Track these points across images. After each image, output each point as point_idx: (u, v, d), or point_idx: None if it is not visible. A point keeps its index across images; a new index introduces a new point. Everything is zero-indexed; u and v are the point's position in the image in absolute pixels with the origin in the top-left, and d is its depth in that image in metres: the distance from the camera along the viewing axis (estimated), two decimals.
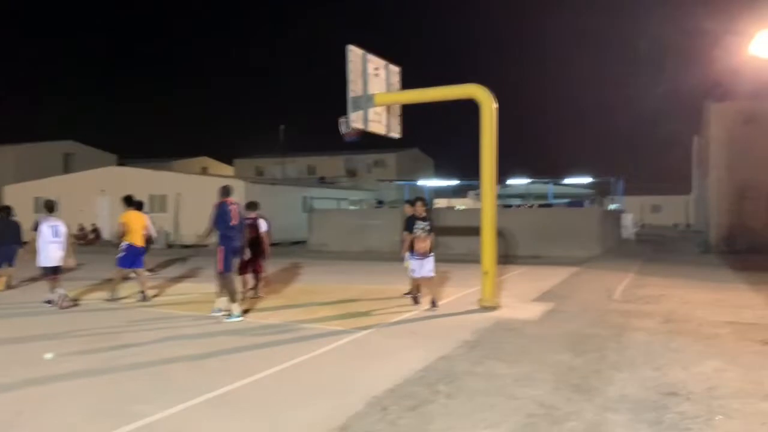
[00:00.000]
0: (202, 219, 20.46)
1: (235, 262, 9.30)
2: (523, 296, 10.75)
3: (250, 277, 10.84)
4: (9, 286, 12.21)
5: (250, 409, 4.77)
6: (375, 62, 10.29)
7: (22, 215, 32.31)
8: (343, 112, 10.04)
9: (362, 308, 9.61)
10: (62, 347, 6.93)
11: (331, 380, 5.59)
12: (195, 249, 23.29)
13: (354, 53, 9.79)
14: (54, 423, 4.48)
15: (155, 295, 10.99)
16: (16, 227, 12.32)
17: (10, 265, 12.19)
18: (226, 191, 9.25)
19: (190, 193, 27.35)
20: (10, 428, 4.37)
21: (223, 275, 8.88)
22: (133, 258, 10.52)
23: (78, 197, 28.47)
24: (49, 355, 6.47)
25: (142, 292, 10.49)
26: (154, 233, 12.38)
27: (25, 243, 11.79)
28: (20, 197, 31.21)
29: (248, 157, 55.56)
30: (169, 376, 5.76)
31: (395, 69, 10.96)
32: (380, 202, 32.86)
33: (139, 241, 10.53)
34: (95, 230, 28.29)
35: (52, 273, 9.90)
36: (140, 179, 29.15)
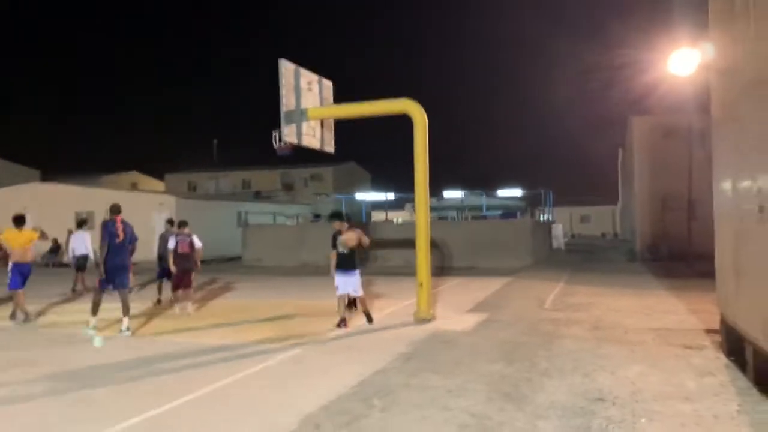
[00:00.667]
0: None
1: (121, 280, 9.01)
2: (458, 307, 10.89)
3: (180, 293, 11.13)
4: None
5: None
6: (308, 76, 10.27)
7: None
8: (278, 124, 9.95)
9: (296, 325, 9.49)
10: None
11: (264, 399, 5.48)
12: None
13: (286, 68, 9.74)
14: None
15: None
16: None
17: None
18: (114, 209, 9.27)
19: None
20: None
21: (96, 289, 9.11)
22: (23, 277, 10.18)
23: None
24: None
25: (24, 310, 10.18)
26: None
27: None
28: None
29: (180, 172, 54.23)
30: (94, 402, 5.50)
31: (328, 83, 10.97)
32: (317, 216, 32.66)
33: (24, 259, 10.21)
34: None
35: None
36: (66, 196, 28.03)
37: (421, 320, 9.34)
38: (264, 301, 12.45)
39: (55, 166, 51.70)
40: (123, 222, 9.14)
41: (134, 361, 7.17)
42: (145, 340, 8.48)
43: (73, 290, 14.96)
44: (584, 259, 24.63)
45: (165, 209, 25.88)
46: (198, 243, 11.22)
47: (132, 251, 9.28)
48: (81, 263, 15.15)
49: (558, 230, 30.15)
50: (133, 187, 49.57)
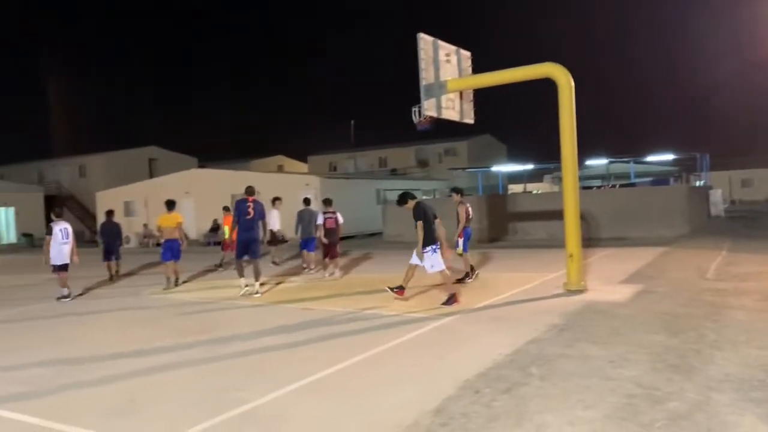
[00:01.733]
0: (283, 214, 20.75)
1: (253, 250, 10.51)
2: (609, 279, 10.44)
3: (328, 261, 12.92)
4: (111, 277, 14.44)
5: (341, 395, 4.88)
6: (446, 48, 10.22)
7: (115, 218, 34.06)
8: (413, 101, 10.04)
9: (443, 295, 9.59)
10: (160, 339, 7.31)
11: (419, 366, 5.62)
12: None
13: (424, 41, 9.75)
14: (164, 409, 4.73)
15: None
16: (118, 227, 15.36)
17: (117, 258, 14.77)
18: (248, 191, 10.80)
19: (268, 191, 28.04)
20: (126, 414, 4.65)
21: (236, 261, 10.75)
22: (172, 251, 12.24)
23: (164, 200, 29.79)
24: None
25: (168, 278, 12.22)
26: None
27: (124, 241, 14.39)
28: (111, 202, 33.02)
29: (321, 154, 56.49)
30: (263, 366, 5.96)
31: (466, 54, 10.85)
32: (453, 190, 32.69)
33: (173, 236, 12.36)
34: None
35: (63, 270, 11.23)
36: (221, 180, 30.21)
37: (572, 292, 9.08)
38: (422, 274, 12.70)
39: (210, 153, 56.02)
40: (254, 201, 10.52)
41: (288, 327, 7.66)
42: (297, 308, 9.00)
43: (274, 263, 16.08)
44: (747, 226, 22.49)
45: (310, 189, 27.12)
46: (341, 219, 12.88)
47: (263, 227, 10.72)
48: (275, 238, 16.06)
49: (716, 196, 27.72)
50: (279, 169, 52.44)
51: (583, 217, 18.98)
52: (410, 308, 8.51)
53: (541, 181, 45.15)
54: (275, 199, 16.45)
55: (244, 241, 10.39)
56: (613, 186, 27.66)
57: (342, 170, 49.65)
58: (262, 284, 10.68)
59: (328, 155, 55.13)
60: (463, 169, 39.28)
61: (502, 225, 21.89)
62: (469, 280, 10.96)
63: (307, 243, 13.70)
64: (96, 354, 6.78)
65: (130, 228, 31.13)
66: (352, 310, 8.66)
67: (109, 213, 15.61)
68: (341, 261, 13.85)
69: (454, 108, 10.46)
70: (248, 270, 10.68)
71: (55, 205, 41.07)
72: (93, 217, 35.69)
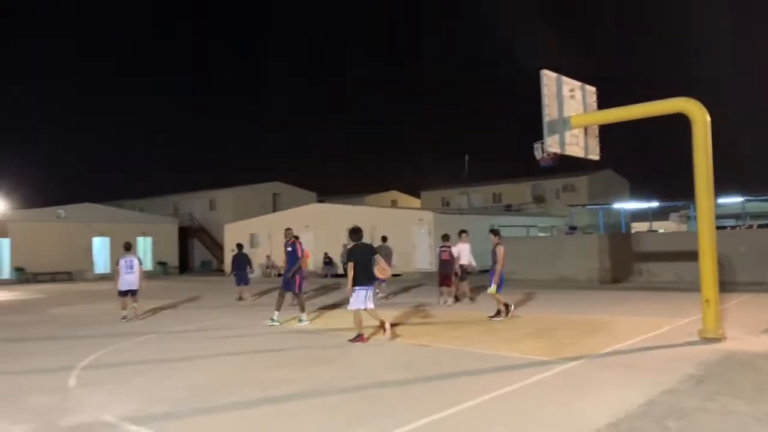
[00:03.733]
0: (396, 248, 21.03)
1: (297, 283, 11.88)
2: (750, 327, 9.61)
3: (444, 289, 14.58)
4: (241, 298, 17.34)
5: None
6: (570, 84, 10.05)
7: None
8: (530, 137, 9.96)
9: (565, 338, 9.27)
10: (281, 369, 7.59)
11: (546, 411, 5.42)
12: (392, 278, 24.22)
13: (548, 77, 9.65)
14: None
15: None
16: (247, 258, 17.85)
17: (246, 284, 17.74)
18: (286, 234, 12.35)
19: (382, 226, 28.56)
20: None
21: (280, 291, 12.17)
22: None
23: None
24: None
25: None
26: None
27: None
28: (238, 234, 34.99)
29: (434, 189, 56.82)
30: (386, 400, 6.01)
31: (591, 89, 10.61)
32: (572, 228, 31.57)
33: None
34: None
35: (130, 295, 13.44)
36: (338, 214, 31.19)
37: (708, 340, 8.44)
38: (525, 314, 12.40)
39: (327, 188, 57.94)
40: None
41: (412, 364, 7.67)
42: (419, 345, 9.00)
43: (456, 299, 15.06)
44: None
45: (424, 224, 27.32)
46: (455, 252, 14.50)
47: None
48: (464, 272, 15.05)
49: None
50: (393, 204, 53.28)
51: (719, 260, 17.74)
52: (533, 351, 8.26)
53: (666, 219, 42.66)
54: (462, 232, 15.63)
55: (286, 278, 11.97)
56: (750, 226, 25.59)
57: (454, 206, 49.59)
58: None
59: (441, 191, 55.33)
60: (583, 206, 37.94)
61: (626, 265, 20.84)
62: (499, 318, 11.41)
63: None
64: (225, 380, 7.15)
65: (254, 259, 32.78)
66: (470, 350, 8.55)
67: (240, 246, 18.09)
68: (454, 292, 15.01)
69: (578, 144, 10.21)
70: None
71: (187, 235, 44.32)
72: (221, 248, 37.93)
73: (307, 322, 11.65)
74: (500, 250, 11.55)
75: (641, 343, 8.67)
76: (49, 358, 8.93)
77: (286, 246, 12.07)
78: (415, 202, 57.80)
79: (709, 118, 8.58)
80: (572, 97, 10.00)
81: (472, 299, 15.06)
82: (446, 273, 14.40)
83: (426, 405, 5.66)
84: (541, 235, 30.81)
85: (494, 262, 11.57)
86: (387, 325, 9.43)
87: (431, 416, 5.29)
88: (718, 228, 25.41)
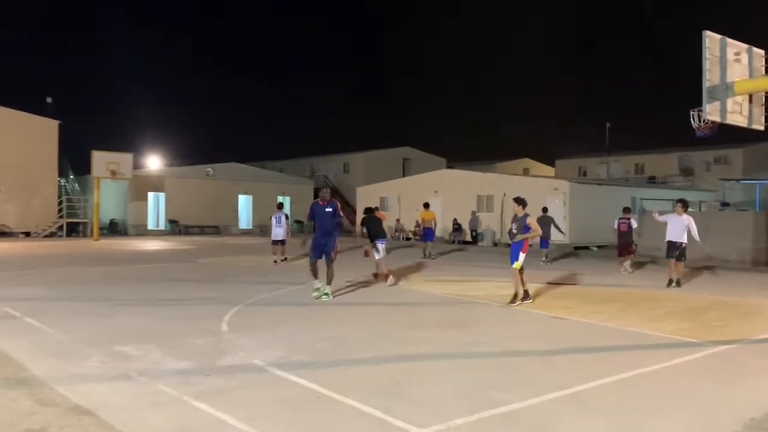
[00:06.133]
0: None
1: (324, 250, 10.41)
2: None
3: (623, 259, 16.05)
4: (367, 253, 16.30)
5: (605, 411, 4.69)
6: (735, 46, 9.17)
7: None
8: (684, 106, 9.23)
9: (714, 321, 8.68)
10: (417, 330, 7.78)
11: (692, 394, 5.16)
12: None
13: (711, 39, 8.89)
14: (428, 397, 5.03)
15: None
16: (380, 221, 15.44)
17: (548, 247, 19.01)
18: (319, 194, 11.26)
19: (512, 194, 27.97)
20: (393, 396, 5.04)
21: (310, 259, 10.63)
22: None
23: (414, 197, 31.42)
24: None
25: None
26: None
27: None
28: (369, 196, 35.90)
29: (570, 158, 54.62)
30: (520, 369, 6.00)
31: (760, 52, 9.63)
32: (725, 204, 29.13)
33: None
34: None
35: (280, 244, 16.96)
36: (468, 181, 30.96)
37: None
38: (668, 292, 11.72)
39: (459, 154, 57.70)
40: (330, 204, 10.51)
41: (552, 336, 7.56)
42: (556, 318, 8.83)
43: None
44: None
45: (559, 194, 26.43)
46: (634, 224, 16.16)
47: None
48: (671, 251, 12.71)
49: None
50: (525, 172, 51.96)
51: None
52: (678, 331, 7.83)
53: None
54: (679, 202, 13.23)
55: (315, 242, 10.49)
56: None
57: (593, 176, 47.41)
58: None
59: (578, 159, 53.07)
60: (738, 180, 34.81)
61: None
62: (516, 304, 9.79)
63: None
64: (364, 335, 7.47)
65: (384, 222, 33.54)
66: (607, 325, 8.27)
67: (372, 209, 17.26)
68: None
69: (741, 112, 9.35)
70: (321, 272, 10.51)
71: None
72: (353, 210, 39.15)
73: (330, 297, 10.27)
74: (532, 221, 10.09)
75: None
76: (202, 305, 9.78)
77: (323, 207, 10.48)
78: (549, 171, 55.93)
79: None
80: (737, 60, 9.13)
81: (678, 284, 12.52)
82: (625, 242, 16.04)
83: (564, 377, 5.58)
84: (690, 210, 28.69)
85: (524, 233, 9.98)
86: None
87: (569, 389, 5.21)
88: None
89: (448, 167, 44.23)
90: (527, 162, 58.47)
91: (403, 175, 42.55)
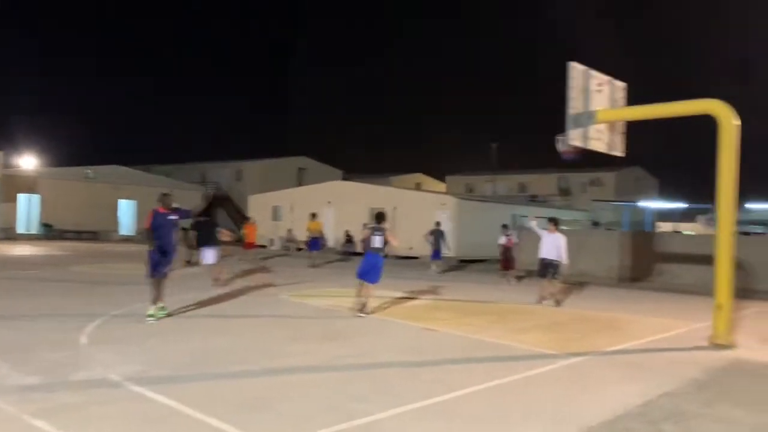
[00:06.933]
0: (417, 231, 21.45)
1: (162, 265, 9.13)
2: (764, 336, 9.49)
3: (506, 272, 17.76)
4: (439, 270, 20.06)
5: (461, 422, 4.86)
6: (598, 78, 9.90)
7: (262, 221, 36.09)
8: (561, 129, 9.81)
9: (574, 333, 9.26)
10: (293, 343, 7.72)
11: (543, 404, 5.46)
12: (408, 260, 24.30)
13: (576, 69, 9.52)
14: (290, 411, 4.99)
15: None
16: (212, 228, 14.46)
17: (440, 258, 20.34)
18: (161, 199, 9.38)
19: (405, 207, 28.59)
20: (253, 411, 4.96)
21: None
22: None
23: (308, 207, 31.22)
24: None
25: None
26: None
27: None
28: (262, 205, 35.30)
29: (460, 174, 56.56)
30: (387, 380, 6.10)
31: (620, 85, 10.44)
32: (595, 224, 31.25)
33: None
34: (323, 238, 30.81)
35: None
36: (361, 193, 31.24)
37: (718, 346, 8.36)
38: (539, 307, 12.37)
39: (356, 167, 58.11)
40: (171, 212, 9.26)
41: (423, 348, 7.75)
42: (433, 330, 9.06)
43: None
44: None
45: (447, 209, 27.25)
46: (515, 239, 18.49)
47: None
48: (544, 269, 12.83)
49: None
50: (417, 187, 53.17)
51: (739, 265, 17.39)
52: (540, 343, 8.27)
53: (694, 221, 41.98)
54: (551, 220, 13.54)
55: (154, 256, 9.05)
56: None
57: (480, 193, 49.35)
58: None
59: (467, 176, 55.09)
60: (608, 201, 37.48)
61: (646, 265, 20.59)
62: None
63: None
64: (235, 348, 7.30)
65: (276, 232, 33.07)
66: (475, 337, 8.59)
67: (247, 218, 17.49)
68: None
69: (602, 139, 10.09)
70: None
71: (213, 204, 44.84)
72: (244, 217, 38.33)
73: (154, 320, 8.89)
74: (389, 234, 10.65)
75: (650, 343, 8.64)
76: (65, 316, 9.19)
77: (164, 215, 9.13)
78: (441, 186, 57.62)
79: (736, 122, 8.40)
80: (599, 91, 9.85)
81: (557, 302, 12.65)
82: (509, 257, 18.15)
83: (427, 388, 5.74)
84: (564, 228, 30.50)
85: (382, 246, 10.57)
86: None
87: (430, 399, 5.37)
88: (744, 234, 25.01)
89: (345, 179, 44.45)
90: (420, 177, 59.92)
91: (299, 185, 42.26)
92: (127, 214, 38.81)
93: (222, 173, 47.60)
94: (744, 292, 16.27)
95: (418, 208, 27.81)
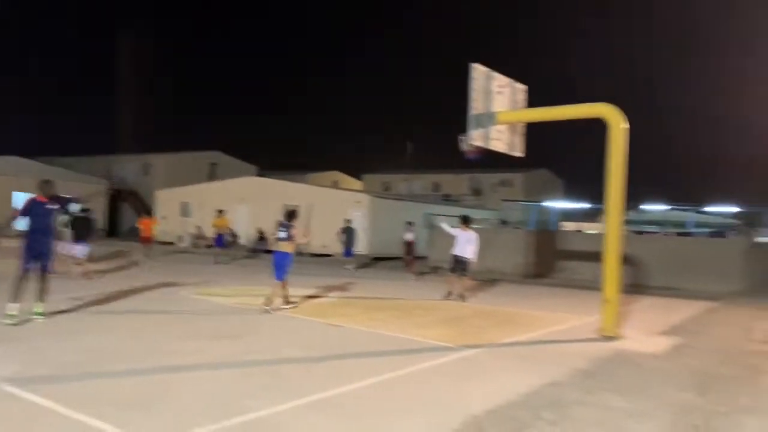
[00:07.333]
0: (331, 228, 21.53)
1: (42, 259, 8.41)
2: (649, 329, 10.10)
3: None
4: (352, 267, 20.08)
5: (347, 415, 4.87)
6: (499, 80, 10.21)
7: (170, 218, 34.94)
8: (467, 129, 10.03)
9: (473, 327, 9.50)
10: (190, 339, 7.50)
11: (433, 395, 5.57)
12: (322, 257, 24.20)
13: (478, 71, 9.78)
14: (175, 408, 4.84)
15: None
16: (88, 223, 14.42)
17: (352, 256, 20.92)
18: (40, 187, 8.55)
19: (320, 205, 28.32)
20: (135, 409, 4.78)
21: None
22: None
23: (219, 204, 30.48)
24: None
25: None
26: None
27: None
28: (170, 201, 34.11)
29: (377, 173, 56.93)
30: (280, 377, 6.03)
31: (521, 87, 10.81)
32: (503, 222, 32.27)
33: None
34: (233, 235, 30.13)
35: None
36: (276, 190, 30.78)
37: (605, 338, 8.83)
38: (444, 302, 12.62)
39: (271, 163, 57.22)
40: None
41: (324, 344, 7.71)
42: (333, 325, 9.04)
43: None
44: None
45: (361, 206, 27.34)
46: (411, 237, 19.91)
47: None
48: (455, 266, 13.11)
49: None
50: (334, 184, 53.05)
51: (632, 262, 18.47)
52: (439, 337, 8.43)
53: (595, 220, 44.23)
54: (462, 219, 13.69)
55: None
56: (668, 234, 26.81)
57: (396, 191, 49.86)
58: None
59: (384, 175, 55.52)
60: (516, 201, 38.83)
61: (550, 262, 21.49)
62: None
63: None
64: (127, 346, 7.00)
65: (185, 228, 32.05)
66: (379, 332, 8.66)
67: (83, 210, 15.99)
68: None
69: (502, 140, 10.41)
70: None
71: (118, 199, 42.91)
72: (150, 214, 36.95)
73: (42, 319, 8.30)
74: (296, 231, 10.49)
75: (543, 336, 9.00)
76: None
77: (41, 204, 8.36)
78: (358, 184, 57.74)
79: (625, 125, 8.89)
80: (500, 93, 10.17)
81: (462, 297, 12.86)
82: (411, 253, 19.62)
83: (322, 382, 5.72)
84: (474, 226, 31.31)
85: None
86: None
87: (321, 393, 5.35)
88: (638, 233, 26.55)
89: (260, 175, 43.63)
90: (337, 175, 59.78)
91: (210, 181, 41.13)
92: None
93: (128, 167, 45.58)
94: (637, 287, 17.33)
95: (333, 206, 27.72)
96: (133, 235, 41.21)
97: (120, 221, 43.94)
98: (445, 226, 13.95)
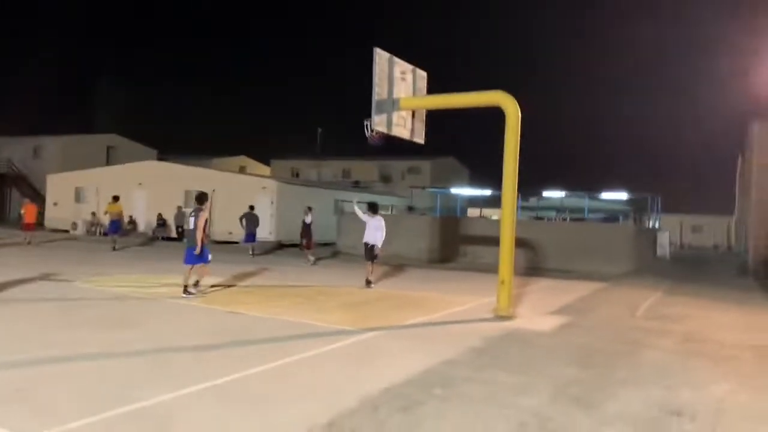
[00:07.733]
0: (236, 215, 21.09)
1: None
2: (541, 309, 10.57)
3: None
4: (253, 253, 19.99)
5: (239, 402, 4.78)
6: (402, 66, 10.28)
7: (64, 204, 33.06)
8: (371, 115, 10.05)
9: (374, 311, 9.59)
10: (74, 329, 7.10)
11: (330, 378, 5.57)
12: (227, 244, 23.63)
13: (380, 56, 9.80)
14: (53, 401, 4.56)
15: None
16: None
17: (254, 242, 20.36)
18: None
19: (225, 191, 27.65)
20: (7, 403, 4.46)
21: None
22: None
23: (116, 189, 29.05)
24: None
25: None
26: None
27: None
28: (62, 186, 32.15)
29: (285, 159, 56.13)
30: (171, 365, 5.83)
31: (422, 74, 10.94)
32: (411, 208, 32.77)
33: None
34: (132, 222, 28.85)
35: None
36: (177, 174, 29.67)
37: (500, 317, 9.16)
38: (351, 287, 12.66)
39: (173, 147, 54.94)
40: None
41: (220, 331, 7.52)
42: (233, 313, 8.85)
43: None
44: (689, 270, 23.15)
45: (268, 192, 26.88)
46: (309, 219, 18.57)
47: None
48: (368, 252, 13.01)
49: (664, 238, 28.45)
50: (241, 170, 51.82)
51: (531, 246, 19.28)
52: (339, 321, 8.44)
53: (498, 207, 45.74)
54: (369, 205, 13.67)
55: None
56: (565, 219, 28.19)
57: (305, 177, 49.39)
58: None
59: (293, 161, 54.82)
60: (423, 188, 39.52)
61: (454, 247, 22.04)
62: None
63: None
64: (4, 338, 6.54)
65: (79, 215, 30.33)
66: (280, 318, 8.55)
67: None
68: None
69: (404, 126, 10.51)
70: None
71: (3, 184, 39.92)
72: (42, 200, 34.68)
73: None
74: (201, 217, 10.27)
75: (442, 317, 9.21)
76: None
77: None
78: (266, 170, 56.69)
79: (519, 113, 9.21)
80: (403, 79, 10.25)
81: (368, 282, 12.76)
82: (309, 236, 18.64)
83: (214, 370, 5.57)
84: (382, 212, 31.59)
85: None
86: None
87: (213, 381, 5.21)
88: (538, 219, 27.68)
89: (160, 159, 41.92)
90: (245, 160, 58.39)
91: (107, 165, 39.11)
92: None
93: (16, 149, 42.46)
94: (534, 270, 18.12)
95: (238, 192, 27.08)
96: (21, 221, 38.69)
97: (7, 207, 41.03)
98: (357, 210, 13.88)
